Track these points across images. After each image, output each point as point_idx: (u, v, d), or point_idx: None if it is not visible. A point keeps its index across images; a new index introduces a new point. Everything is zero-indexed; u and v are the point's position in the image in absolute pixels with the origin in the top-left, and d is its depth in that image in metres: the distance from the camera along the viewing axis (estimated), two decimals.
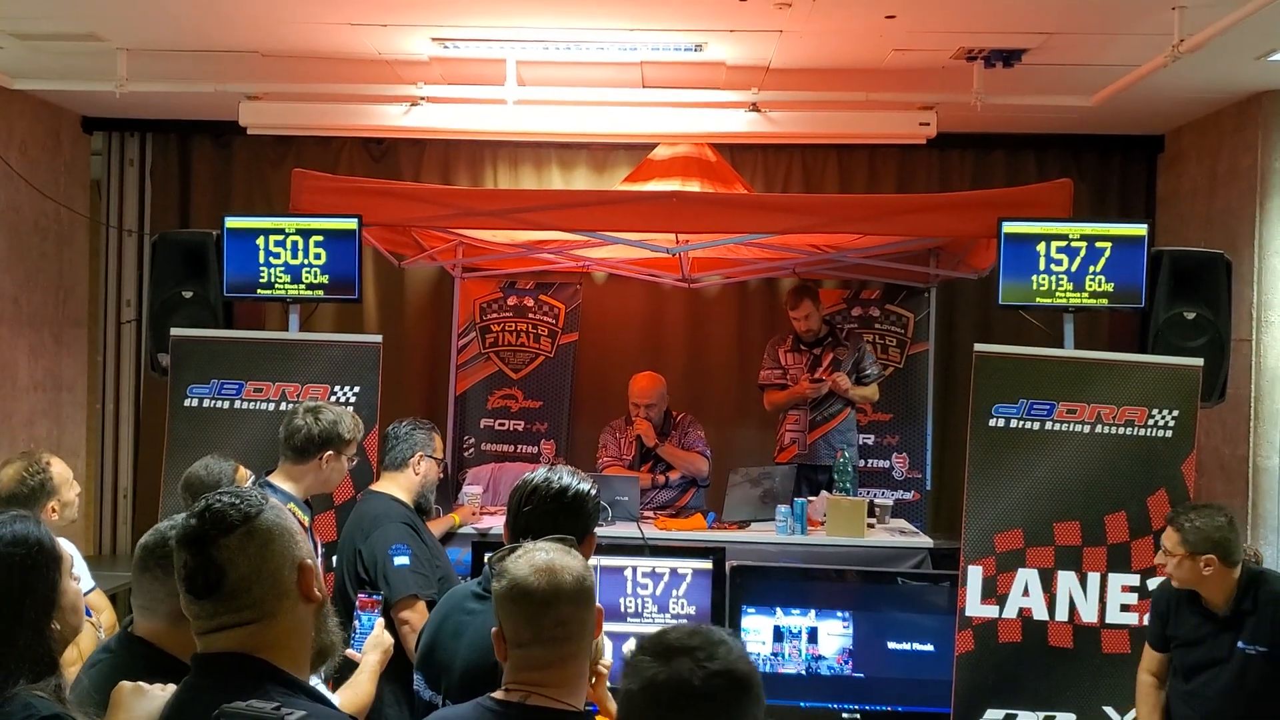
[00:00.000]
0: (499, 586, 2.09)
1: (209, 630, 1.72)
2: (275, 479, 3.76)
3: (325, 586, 2.03)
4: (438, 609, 2.73)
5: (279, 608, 1.73)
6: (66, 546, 3.84)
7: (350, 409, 4.25)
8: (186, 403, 4.81)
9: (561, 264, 7.07)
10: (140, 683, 1.97)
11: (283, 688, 1.69)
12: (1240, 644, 3.67)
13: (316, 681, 2.74)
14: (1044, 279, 4.71)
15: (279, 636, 1.73)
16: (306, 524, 3.02)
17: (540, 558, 2.09)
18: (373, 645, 3.33)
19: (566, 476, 2.62)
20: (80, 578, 3.68)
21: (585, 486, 2.62)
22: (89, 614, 3.75)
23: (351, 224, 4.89)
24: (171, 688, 1.84)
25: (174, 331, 4.87)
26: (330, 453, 3.77)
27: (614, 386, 6.77)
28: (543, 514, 2.55)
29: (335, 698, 2.94)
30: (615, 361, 7.29)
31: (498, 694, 2.08)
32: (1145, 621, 4.13)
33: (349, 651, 3.40)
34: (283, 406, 4.68)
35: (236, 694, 1.61)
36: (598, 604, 2.13)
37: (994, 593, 4.49)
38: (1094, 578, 4.48)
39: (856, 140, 6.51)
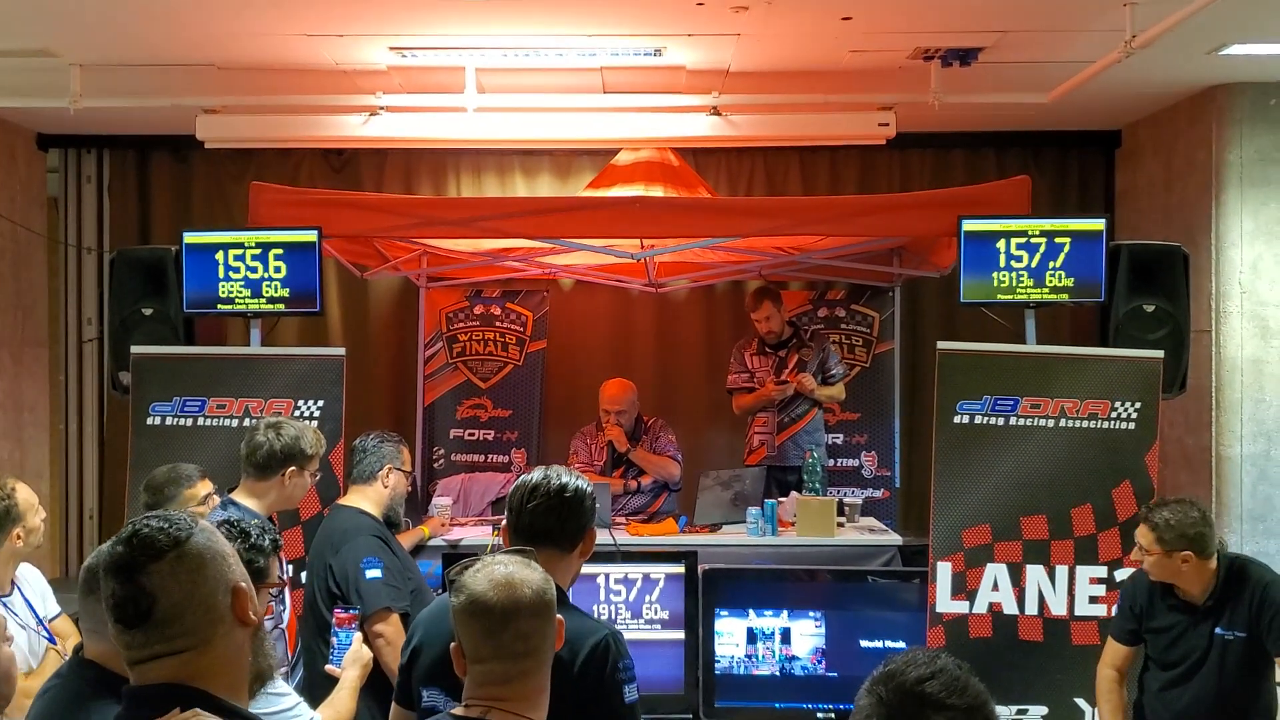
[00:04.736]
0: (457, 601, 2.06)
1: (141, 660, 1.66)
2: (238, 496, 3.72)
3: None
4: (435, 620, 2.62)
5: (213, 634, 1.67)
6: (31, 572, 3.84)
7: (312, 424, 4.22)
8: (149, 421, 4.77)
9: (528, 271, 7.06)
10: None
11: (220, 717, 1.64)
12: (1217, 630, 3.69)
13: (295, 700, 2.72)
14: (1005, 275, 4.74)
15: (214, 663, 1.67)
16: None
17: (499, 571, 2.07)
18: (352, 660, 3.31)
19: (565, 475, 2.63)
20: (26, 612, 3.65)
21: (583, 484, 2.64)
22: (53, 640, 3.71)
23: (311, 236, 4.86)
24: None
25: (134, 349, 4.83)
26: (293, 469, 3.73)
27: (584, 393, 6.76)
28: (546, 510, 2.56)
29: (317, 715, 2.91)
30: (584, 368, 7.28)
31: (457, 710, 2.06)
32: (1114, 613, 4.16)
33: (329, 668, 3.37)
34: (246, 422, 4.64)
35: None
36: (559, 616, 2.12)
37: (964, 588, 4.52)
38: (1062, 570, 4.52)
39: (817, 142, 6.55)
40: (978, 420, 4.60)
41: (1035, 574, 4.52)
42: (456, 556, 3.98)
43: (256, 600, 1.75)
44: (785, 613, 4.23)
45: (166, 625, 1.65)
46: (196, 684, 1.65)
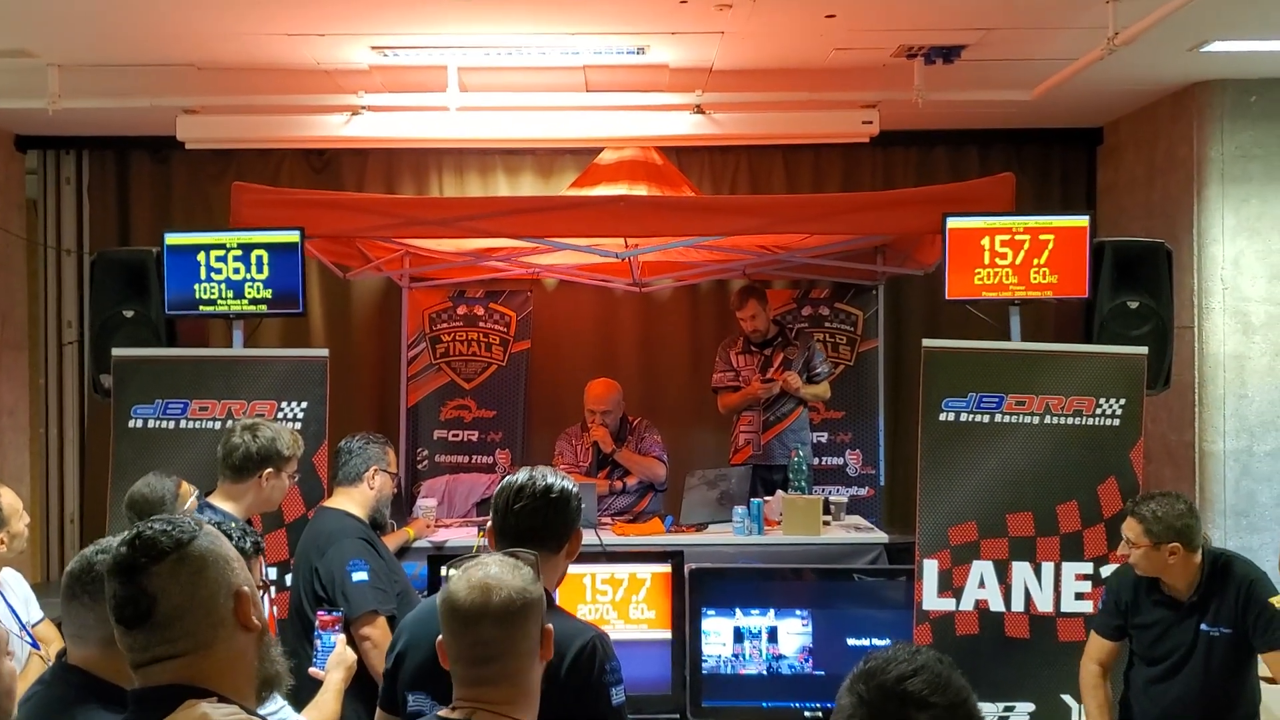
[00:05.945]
0: (439, 597, 2.07)
1: (144, 662, 1.66)
2: (215, 499, 3.69)
3: (265, 614, 1.96)
4: (420, 624, 2.61)
5: (214, 637, 1.67)
6: (13, 576, 3.80)
7: (289, 425, 4.18)
8: (131, 424, 4.72)
9: (511, 271, 7.04)
10: None
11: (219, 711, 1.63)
12: (1203, 626, 3.70)
13: (280, 704, 2.70)
14: (989, 272, 4.75)
15: (217, 667, 1.67)
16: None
17: (478, 573, 2.06)
18: (336, 663, 3.28)
19: (550, 475, 2.62)
20: (9, 618, 3.61)
21: (569, 485, 2.62)
22: (36, 646, 3.67)
23: (293, 236, 4.83)
24: None
25: (115, 352, 4.78)
26: (270, 470, 3.70)
27: (568, 393, 6.75)
28: (532, 511, 2.55)
29: (302, 718, 2.89)
30: (569, 368, 7.27)
31: (444, 711, 2.05)
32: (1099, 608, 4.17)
33: (312, 670, 3.34)
34: (229, 425, 4.60)
35: None
36: (547, 624, 2.10)
37: (950, 586, 4.52)
38: (1048, 567, 4.52)
39: (801, 140, 6.55)
40: (963, 417, 4.60)
41: (1021, 571, 4.52)
42: (442, 558, 3.97)
43: (261, 606, 1.73)
44: (772, 611, 4.23)
45: (167, 627, 1.65)
46: (199, 686, 1.65)
